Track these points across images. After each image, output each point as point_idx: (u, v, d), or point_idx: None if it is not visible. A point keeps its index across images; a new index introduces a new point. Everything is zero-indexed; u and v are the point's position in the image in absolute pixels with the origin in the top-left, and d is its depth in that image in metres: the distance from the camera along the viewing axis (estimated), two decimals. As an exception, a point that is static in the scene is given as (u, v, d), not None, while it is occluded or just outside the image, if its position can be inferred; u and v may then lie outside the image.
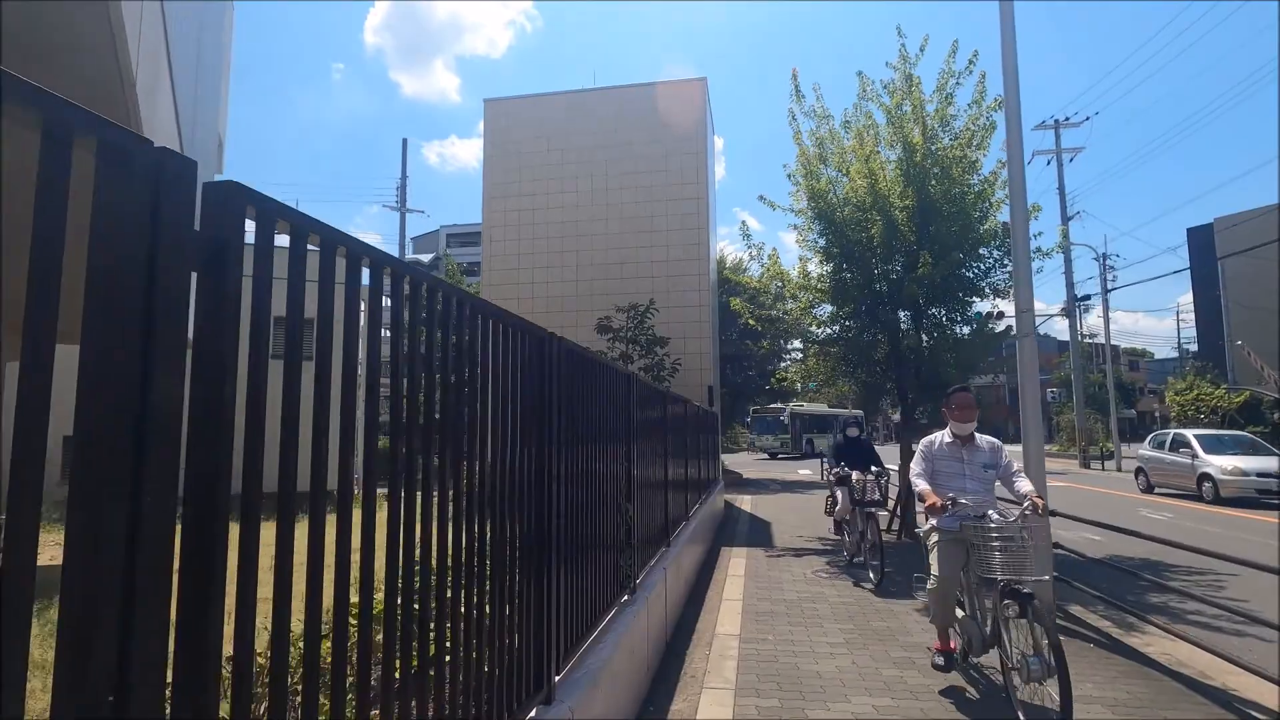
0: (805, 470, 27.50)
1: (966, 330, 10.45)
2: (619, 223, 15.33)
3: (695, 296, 14.90)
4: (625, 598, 4.21)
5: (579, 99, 16.19)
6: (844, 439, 9.10)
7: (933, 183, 10.01)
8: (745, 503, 15.96)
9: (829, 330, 11.26)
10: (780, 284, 11.57)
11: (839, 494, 8.53)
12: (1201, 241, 44.67)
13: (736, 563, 8.64)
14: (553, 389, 2.89)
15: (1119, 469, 27.09)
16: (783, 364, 21.52)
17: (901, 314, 10.72)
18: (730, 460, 33.73)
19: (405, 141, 31.34)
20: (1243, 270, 37.38)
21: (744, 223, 11.64)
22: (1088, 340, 41.09)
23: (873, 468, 8.28)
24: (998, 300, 10.95)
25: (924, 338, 10.14)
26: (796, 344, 25.37)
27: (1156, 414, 43.15)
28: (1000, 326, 10.87)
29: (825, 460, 13.55)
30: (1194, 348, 60.85)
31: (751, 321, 11.44)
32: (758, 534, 11.17)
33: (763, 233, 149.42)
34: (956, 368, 10.24)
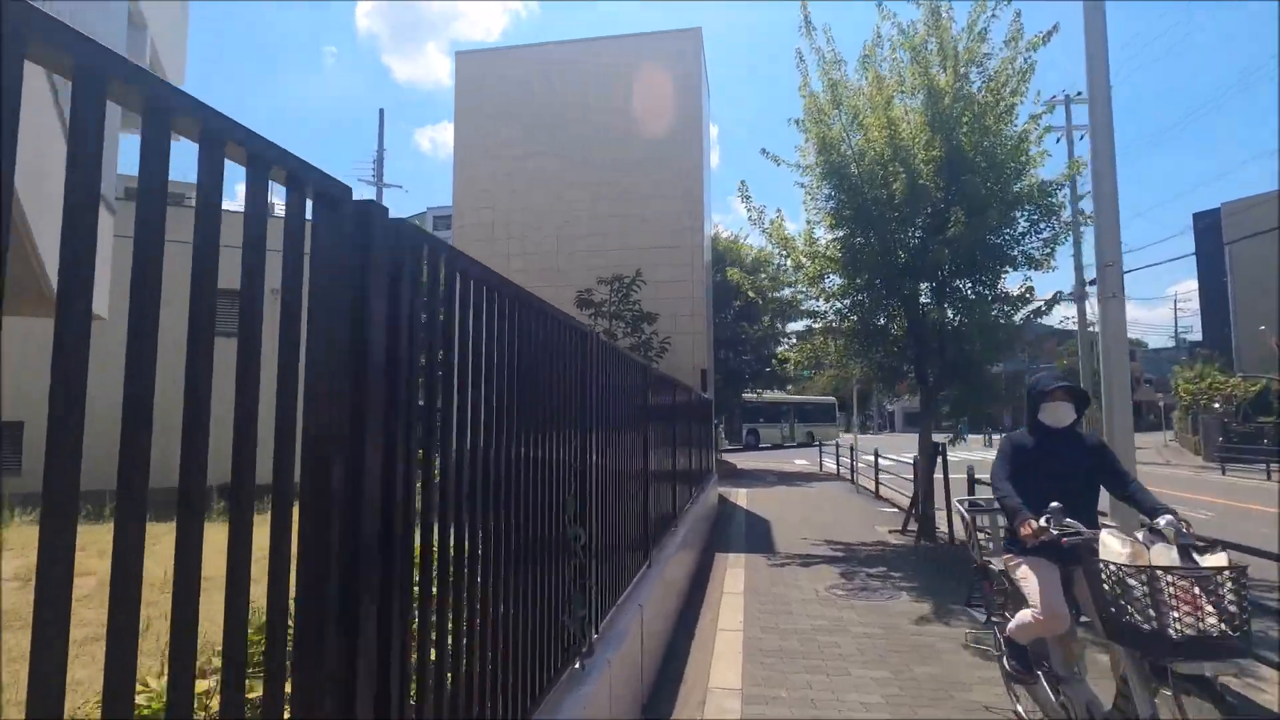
0: (802, 460, 26.23)
1: (993, 305, 9.06)
2: (604, 188, 13.86)
3: (688, 271, 13.50)
4: (575, 665, 2.83)
5: (560, 51, 14.65)
6: None
7: (963, 131, 8.60)
8: (741, 497, 14.64)
9: (838, 304, 9.88)
10: (784, 253, 10.17)
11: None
12: (1207, 227, 43.50)
13: (734, 575, 7.29)
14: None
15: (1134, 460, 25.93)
16: (781, 346, 20.17)
17: (922, 286, 9.33)
18: (723, 448, 32.46)
19: (381, 112, 29.59)
20: (1254, 254, 36.18)
21: (743, 183, 10.20)
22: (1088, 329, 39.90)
23: None
24: (1030, 272, 9.58)
25: (949, 313, 8.76)
26: (796, 326, 24.01)
27: (1161, 404, 42.12)
28: (1025, 305, 9.50)
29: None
30: (1191, 336, 59.95)
31: (751, 294, 10.05)
32: (757, 536, 9.83)
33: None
34: (991, 348, 8.88)
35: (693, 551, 7.67)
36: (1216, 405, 25.21)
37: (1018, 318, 9.09)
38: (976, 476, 8.49)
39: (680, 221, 13.68)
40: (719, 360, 22.33)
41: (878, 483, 14.44)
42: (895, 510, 12.54)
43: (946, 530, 9.52)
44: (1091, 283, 9.47)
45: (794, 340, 17.15)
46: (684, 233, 13.67)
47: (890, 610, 5.90)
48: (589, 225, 13.93)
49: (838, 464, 19.76)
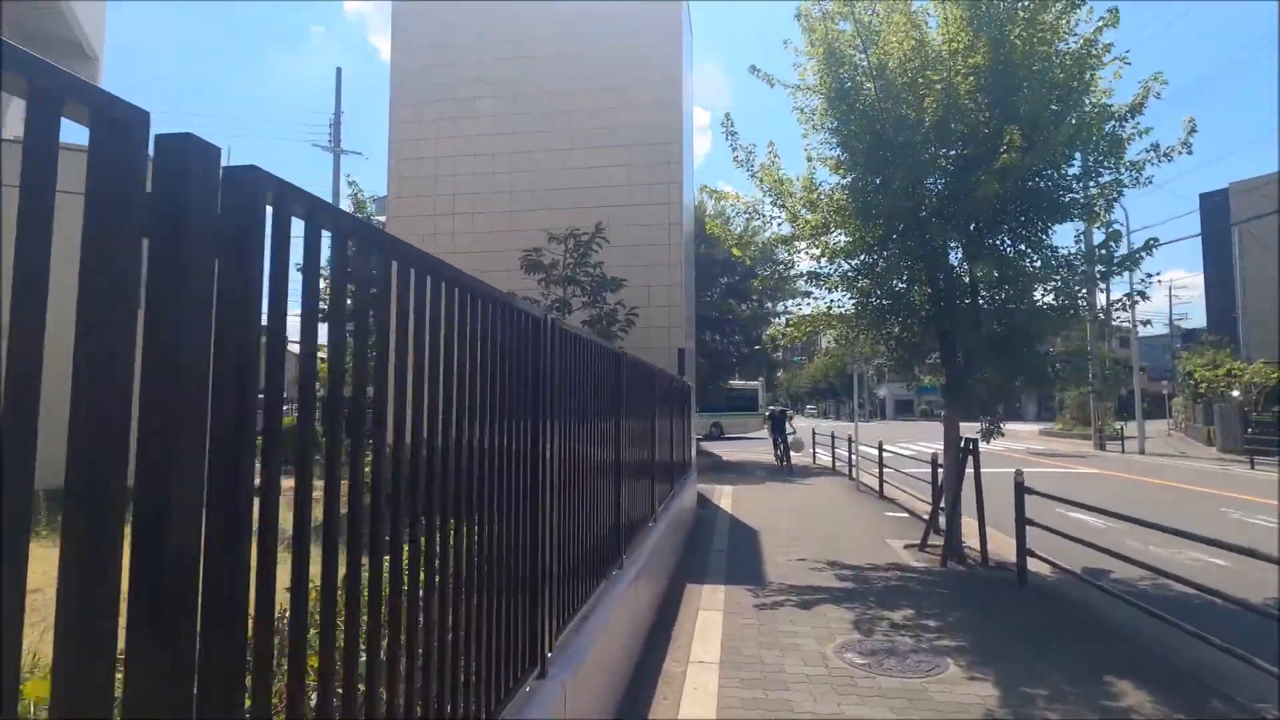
0: (792, 451, 24.33)
1: (1053, 264, 7.08)
2: (566, 137, 11.75)
3: (663, 233, 11.47)
4: None
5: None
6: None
7: (1017, 30, 6.57)
8: (724, 496, 12.69)
9: (846, 266, 7.87)
10: (777, 204, 8.13)
11: None
12: (1215, 207, 41.84)
13: (708, 622, 5.31)
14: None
15: (1142, 451, 24.33)
16: (776, 320, 18.21)
17: (953, 241, 7.33)
18: (710, 440, 30.58)
19: (339, 71, 27.04)
20: (1265, 236, 34.55)
21: (728, 116, 8.17)
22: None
23: None
24: (1082, 225, 7.61)
25: (990, 269, 6.75)
26: (788, 305, 22.02)
27: (1165, 391, 40.64)
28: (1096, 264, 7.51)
29: None
30: (1186, 324, 58.66)
31: (736, 252, 8.00)
32: (742, 555, 7.86)
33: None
34: (1046, 320, 6.92)
35: (656, 580, 5.70)
36: (1235, 393, 23.55)
37: (1083, 280, 7.11)
38: (1027, 485, 6.56)
39: (655, 175, 11.59)
40: (703, 343, 20.33)
41: (882, 480, 12.53)
42: (905, 515, 10.64)
43: (978, 548, 7.61)
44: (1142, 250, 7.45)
45: (787, 317, 14.97)
46: (659, 188, 11.59)
47: (937, 698, 3.93)
48: (546, 181, 11.81)
49: (833, 457, 17.86)
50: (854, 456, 14.46)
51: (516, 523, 2.49)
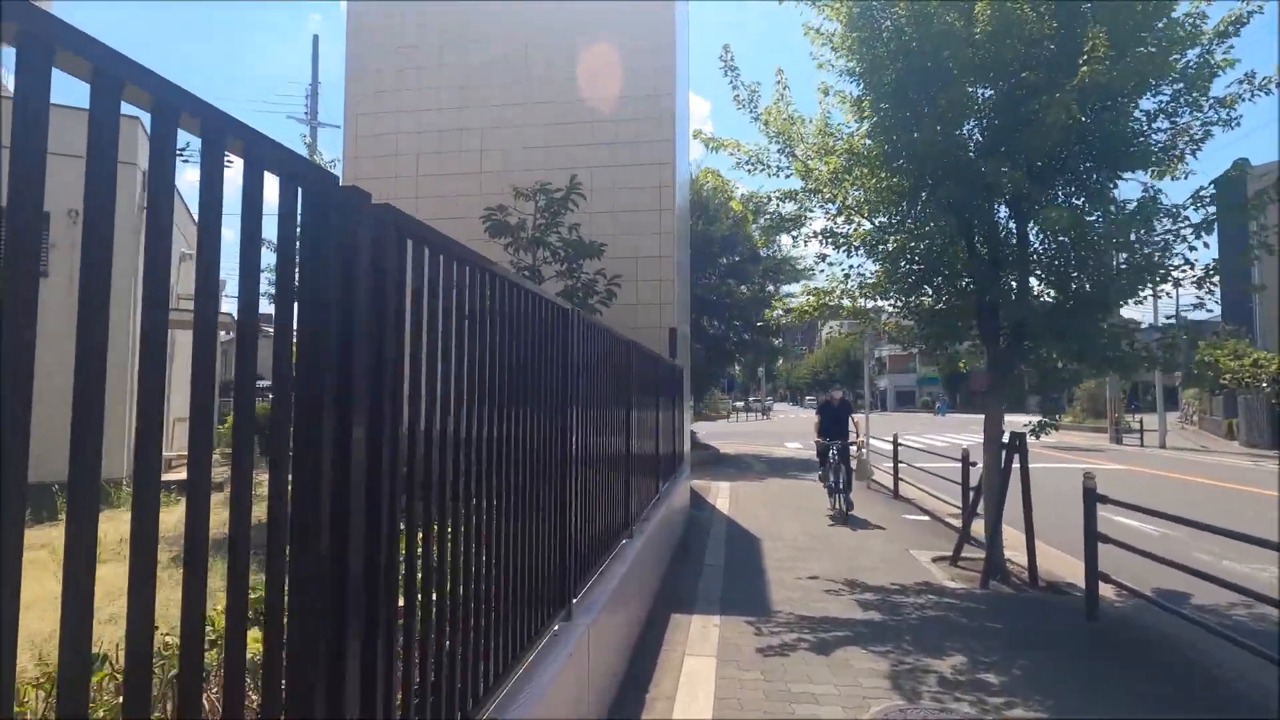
0: (794, 444, 23.07)
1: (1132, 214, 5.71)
2: (543, 89, 10.37)
3: (654, 197, 10.11)
4: None
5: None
6: None
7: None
8: (720, 494, 11.39)
9: (865, 225, 6.52)
10: (785, 153, 6.78)
11: None
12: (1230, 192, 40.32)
13: (696, 675, 4.00)
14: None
15: (1163, 445, 23.06)
16: (786, 295, 16.76)
17: (1000, 194, 5.97)
18: (705, 430, 29.29)
19: (315, 39, 25.38)
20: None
21: (726, 48, 6.83)
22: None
23: None
24: (1154, 176, 6.26)
25: (1064, 221, 5.36)
26: (791, 289, 20.65)
27: (1178, 382, 39.30)
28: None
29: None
30: (1191, 315, 57.33)
31: (736, 206, 6.69)
32: (741, 571, 6.55)
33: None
34: (1123, 287, 5.58)
35: (633, 607, 4.41)
36: (1264, 385, 22.26)
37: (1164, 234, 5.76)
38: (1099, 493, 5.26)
39: (644, 131, 10.21)
40: (700, 328, 19.00)
41: (897, 478, 11.23)
42: (925, 518, 9.35)
43: (1021, 562, 6.32)
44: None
45: (800, 288, 13.26)
46: (650, 147, 10.21)
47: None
48: (520, 139, 10.42)
49: (839, 450, 16.56)
50: (864, 451, 13.15)
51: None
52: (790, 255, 19.18)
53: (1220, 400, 27.70)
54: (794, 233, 6.61)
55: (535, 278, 7.72)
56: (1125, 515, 9.42)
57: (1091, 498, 5.13)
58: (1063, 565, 6.91)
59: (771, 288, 19.78)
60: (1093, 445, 23.76)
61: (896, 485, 11.22)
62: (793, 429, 32.95)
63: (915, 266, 6.20)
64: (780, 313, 8.21)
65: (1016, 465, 6.06)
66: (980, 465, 6.83)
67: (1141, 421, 25.08)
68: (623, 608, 4.02)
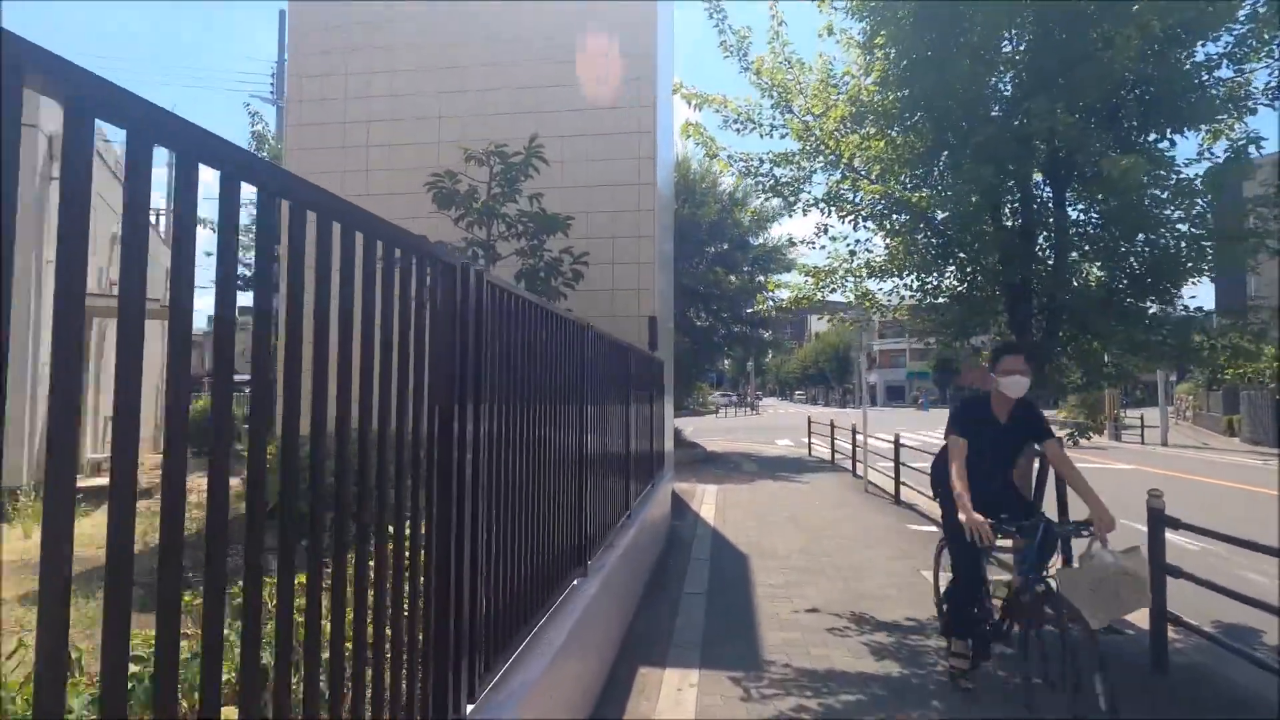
0: (785, 441, 22.14)
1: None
2: (508, 47, 9.27)
3: (632, 169, 9.06)
4: None
5: None
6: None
7: None
8: (705, 499, 10.39)
9: (874, 192, 5.48)
10: (782, 103, 5.75)
11: None
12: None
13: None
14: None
15: (1164, 442, 22.32)
16: (777, 281, 15.60)
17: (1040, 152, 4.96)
18: (693, 426, 28.31)
19: (282, 14, 23.99)
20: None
21: (714, -14, 5.79)
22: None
23: None
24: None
25: (1132, 172, 4.35)
26: (784, 278, 19.66)
27: (1173, 378, 38.77)
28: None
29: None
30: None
31: (723, 166, 5.54)
32: (726, 601, 5.54)
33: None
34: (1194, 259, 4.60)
35: (589, 659, 3.39)
36: (1269, 381, 21.53)
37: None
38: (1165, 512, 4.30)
39: (621, 94, 9.13)
40: (686, 320, 17.97)
41: (898, 483, 10.27)
42: (933, 529, 8.38)
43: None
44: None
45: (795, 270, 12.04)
46: (628, 114, 9.14)
47: None
48: (483, 104, 9.31)
49: (832, 449, 15.64)
50: (862, 450, 12.21)
51: None
52: (781, 244, 18.18)
53: (1219, 396, 27.10)
54: (791, 199, 5.57)
55: (490, 255, 6.66)
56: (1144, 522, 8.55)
57: (1159, 521, 4.15)
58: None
59: (761, 278, 18.76)
60: (1092, 443, 22.98)
61: (898, 490, 10.26)
62: (783, 424, 32.06)
63: (934, 239, 5.18)
64: (772, 299, 7.19)
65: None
66: None
67: (1143, 418, 24.33)
68: (568, 679, 2.99)
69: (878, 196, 5.22)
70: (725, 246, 18.19)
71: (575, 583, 3.62)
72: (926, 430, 26.75)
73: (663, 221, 10.32)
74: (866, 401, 12.96)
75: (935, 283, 5.55)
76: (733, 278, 17.02)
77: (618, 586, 4.30)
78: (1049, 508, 4.40)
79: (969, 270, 5.33)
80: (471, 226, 6.79)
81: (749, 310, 17.62)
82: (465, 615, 2.08)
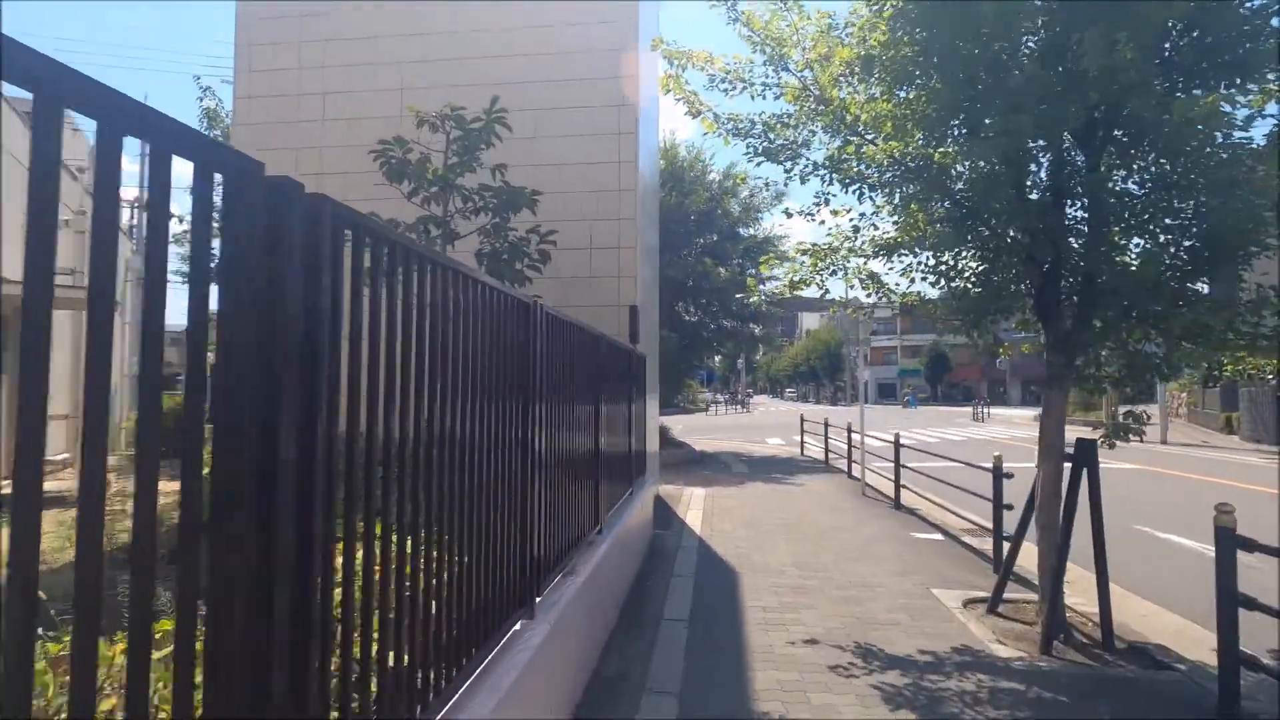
0: (777, 440, 21.44)
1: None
2: (473, 15, 8.47)
3: (611, 145, 8.30)
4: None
5: None
6: None
7: None
8: (692, 505, 9.66)
9: (880, 152, 4.73)
10: (776, 58, 5.01)
11: None
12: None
13: None
14: None
15: (1164, 440, 21.79)
16: (762, 285, 14.89)
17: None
18: (682, 424, 27.57)
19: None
20: None
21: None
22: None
23: None
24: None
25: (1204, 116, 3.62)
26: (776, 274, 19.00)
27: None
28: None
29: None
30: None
31: (708, 126, 4.75)
32: (710, 632, 4.80)
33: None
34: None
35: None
36: (1270, 378, 21.07)
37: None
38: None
39: (599, 65, 8.37)
40: (674, 315, 17.24)
41: (898, 486, 9.57)
42: (938, 536, 7.71)
43: (1090, 614, 4.69)
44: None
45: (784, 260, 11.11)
46: (606, 85, 8.37)
47: None
48: (449, 75, 8.51)
49: (826, 449, 14.95)
50: (859, 451, 11.52)
51: None
52: (773, 235, 17.49)
53: (1215, 392, 26.68)
54: (787, 164, 4.82)
55: (446, 234, 5.89)
56: (1179, 535, 7.93)
57: (1230, 542, 3.44)
58: (1128, 608, 5.30)
59: (752, 270, 18.07)
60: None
61: (898, 493, 9.56)
62: (774, 422, 31.39)
63: (951, 210, 4.44)
64: (764, 284, 6.45)
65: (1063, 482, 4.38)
66: (1005, 482, 5.11)
67: (1143, 414, 23.74)
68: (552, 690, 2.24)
69: (887, 159, 4.48)
70: (715, 238, 17.48)
71: (517, 627, 2.87)
72: (919, 429, 26.17)
73: (646, 206, 9.57)
74: (863, 399, 12.27)
75: (951, 262, 4.82)
76: (722, 270, 16.30)
77: (576, 627, 3.54)
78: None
79: (991, 247, 4.60)
80: (428, 203, 6.00)
81: (739, 298, 16.88)
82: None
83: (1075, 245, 4.48)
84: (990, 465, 6.69)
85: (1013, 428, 28.32)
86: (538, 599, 3.14)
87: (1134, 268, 4.21)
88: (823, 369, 69.89)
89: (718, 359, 54.60)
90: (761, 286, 6.95)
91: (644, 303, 9.62)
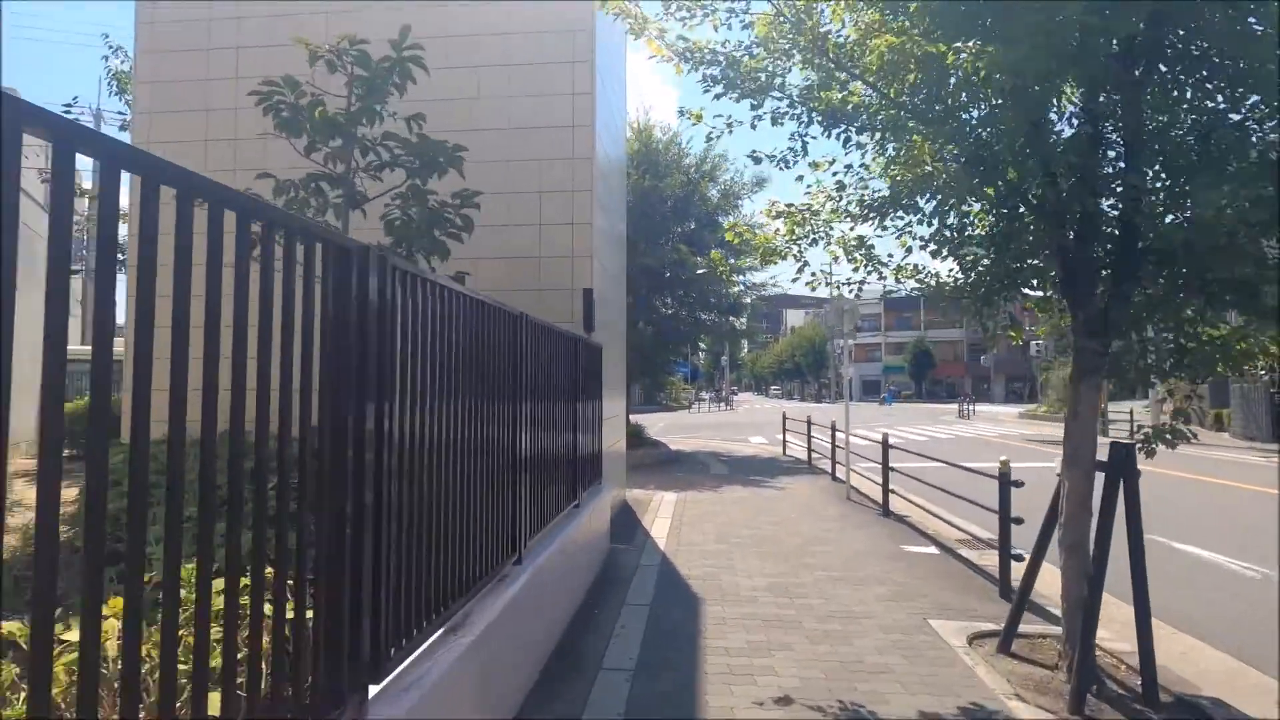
0: (759, 438, 20.58)
1: None
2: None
3: (564, 108, 7.29)
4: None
5: None
6: None
7: None
8: (661, 512, 8.71)
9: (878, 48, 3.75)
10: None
11: None
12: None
13: None
14: None
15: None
16: (742, 279, 13.86)
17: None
18: (663, 423, 26.66)
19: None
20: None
21: None
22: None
23: None
24: None
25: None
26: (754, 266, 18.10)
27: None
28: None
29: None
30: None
31: (655, 48, 3.73)
32: (658, 685, 3.84)
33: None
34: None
35: None
36: (1263, 374, 20.56)
37: None
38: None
39: (549, 16, 7.36)
40: (651, 307, 16.29)
41: (887, 491, 8.68)
42: (933, 550, 6.82)
43: (1129, 650, 3.81)
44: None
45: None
46: (558, 39, 7.37)
47: None
48: (379, 26, 7.46)
49: (809, 449, 14.08)
50: (844, 451, 10.64)
51: None
52: (755, 223, 16.56)
53: (1205, 389, 26.22)
54: (756, 100, 3.85)
55: (349, 196, 4.88)
56: (1199, 546, 7.09)
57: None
58: (1162, 641, 4.42)
59: (732, 260, 17.15)
60: (1080, 438, 21.78)
61: (886, 499, 8.68)
62: (757, 420, 30.56)
63: (974, 147, 3.49)
64: (738, 261, 5.48)
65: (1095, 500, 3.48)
66: (1028, 497, 4.17)
67: (1132, 412, 23.20)
68: None
69: (881, 62, 3.48)
70: (692, 226, 16.55)
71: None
72: (905, 427, 25.45)
73: (609, 181, 8.60)
74: (848, 396, 11.39)
75: (957, 224, 3.89)
76: (700, 259, 15.36)
77: (459, 703, 2.56)
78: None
79: (1008, 201, 3.65)
80: (332, 160, 4.98)
81: (715, 289, 15.97)
82: None
83: (1116, 194, 3.54)
84: (992, 470, 5.80)
85: (1000, 425, 27.69)
86: (386, 680, 2.16)
87: (1193, 224, 3.29)
88: (807, 366, 69.35)
89: (701, 355, 53.78)
90: (732, 262, 6.07)
91: (607, 290, 8.66)
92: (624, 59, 10.33)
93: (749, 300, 18.73)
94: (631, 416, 17.87)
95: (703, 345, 22.06)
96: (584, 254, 7.23)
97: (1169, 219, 3.45)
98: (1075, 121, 3.58)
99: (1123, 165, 3.58)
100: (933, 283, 4.30)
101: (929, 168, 3.30)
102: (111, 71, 10.07)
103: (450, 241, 5.06)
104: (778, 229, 4.46)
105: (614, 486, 8.46)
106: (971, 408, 34.66)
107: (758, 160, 3.80)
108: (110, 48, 10.03)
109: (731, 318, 18.64)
